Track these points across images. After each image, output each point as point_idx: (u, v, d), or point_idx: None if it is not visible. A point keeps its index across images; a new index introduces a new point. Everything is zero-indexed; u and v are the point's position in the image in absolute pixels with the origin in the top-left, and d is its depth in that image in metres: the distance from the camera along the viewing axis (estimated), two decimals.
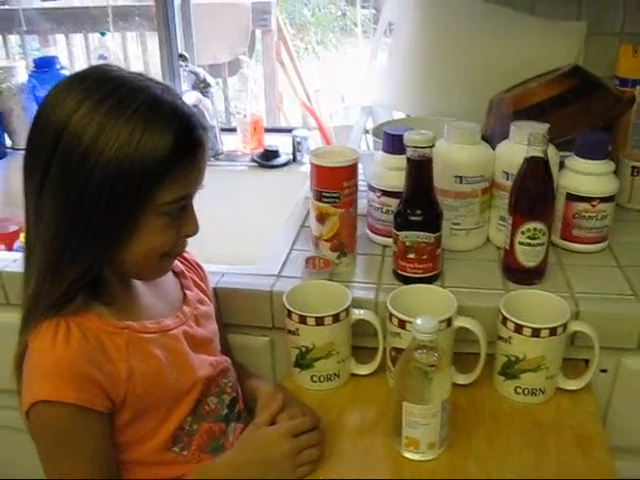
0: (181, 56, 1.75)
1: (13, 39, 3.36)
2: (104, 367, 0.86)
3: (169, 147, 0.82)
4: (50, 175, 0.83)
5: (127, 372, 0.88)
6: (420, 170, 1.08)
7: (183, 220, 0.91)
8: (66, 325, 0.86)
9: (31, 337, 0.87)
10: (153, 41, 3.11)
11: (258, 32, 3.73)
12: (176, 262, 1.06)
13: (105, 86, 0.84)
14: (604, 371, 1.11)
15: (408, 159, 1.08)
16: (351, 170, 1.13)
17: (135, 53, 3.31)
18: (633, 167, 1.38)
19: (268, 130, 1.85)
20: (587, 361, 1.08)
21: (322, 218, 1.15)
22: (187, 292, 1.04)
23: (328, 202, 1.13)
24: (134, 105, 0.82)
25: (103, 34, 1.86)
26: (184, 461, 0.96)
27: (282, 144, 1.76)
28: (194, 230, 0.93)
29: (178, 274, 1.06)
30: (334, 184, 1.12)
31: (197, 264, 1.12)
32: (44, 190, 0.84)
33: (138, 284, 0.98)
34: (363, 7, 5.17)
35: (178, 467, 0.96)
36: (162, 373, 0.92)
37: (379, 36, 1.68)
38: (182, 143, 0.84)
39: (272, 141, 1.79)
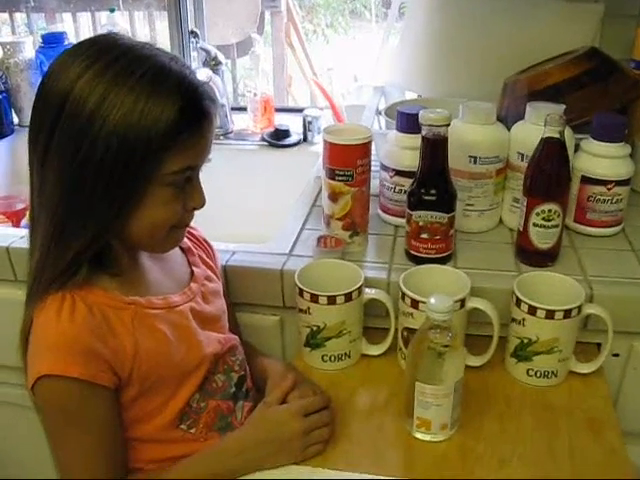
0: (192, 32, 1.73)
1: (19, 17, 3.34)
2: (109, 342, 0.86)
3: (174, 116, 0.81)
4: (54, 143, 0.82)
5: (133, 347, 0.87)
6: (435, 149, 1.07)
7: (189, 192, 0.89)
8: (71, 299, 0.85)
9: (36, 311, 0.87)
10: (161, 21, 3.10)
11: (267, 14, 3.71)
12: (184, 239, 1.06)
13: (111, 53, 0.83)
14: (616, 355, 1.10)
15: (423, 138, 1.07)
16: (365, 148, 1.11)
17: (143, 32, 3.30)
18: None
19: (278, 110, 1.84)
20: (599, 345, 1.08)
21: (335, 196, 1.14)
22: (194, 269, 1.03)
23: (341, 180, 1.12)
24: (139, 72, 0.81)
25: (112, 11, 1.85)
26: (192, 439, 0.96)
27: (292, 124, 1.75)
28: (200, 202, 0.91)
29: (185, 251, 1.05)
30: (348, 162, 1.11)
31: (205, 241, 1.11)
32: (48, 158, 0.83)
33: (145, 260, 0.97)
34: None
35: (185, 445, 0.95)
36: (168, 349, 0.92)
37: (392, 18, 1.66)
38: (188, 113, 0.83)
39: (282, 121, 1.78)
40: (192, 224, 1.08)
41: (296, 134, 1.71)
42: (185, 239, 1.06)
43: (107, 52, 0.83)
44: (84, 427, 0.87)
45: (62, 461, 0.89)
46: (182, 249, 1.05)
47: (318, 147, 1.61)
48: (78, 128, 0.81)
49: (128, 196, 0.84)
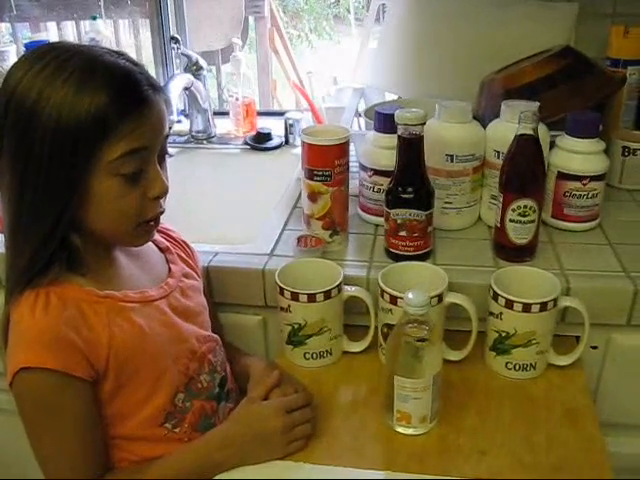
0: (173, 38, 1.74)
1: (4, 27, 3.34)
2: (84, 333, 0.87)
3: (103, 104, 0.82)
4: (4, 144, 0.86)
5: (107, 338, 0.88)
6: (411, 148, 1.09)
7: (147, 182, 0.89)
8: (45, 295, 0.87)
9: (12, 309, 0.88)
10: (144, 29, 3.09)
11: (251, 19, 3.72)
12: (161, 239, 1.07)
13: (50, 54, 0.85)
14: (594, 347, 1.12)
15: (399, 137, 1.08)
16: (342, 148, 1.13)
17: (127, 41, 3.30)
18: (624, 147, 1.39)
19: (261, 113, 1.85)
20: (578, 338, 1.09)
21: (314, 196, 1.15)
22: (172, 266, 1.04)
23: (320, 180, 1.13)
24: (71, 67, 0.83)
25: (94, 18, 1.86)
26: (176, 439, 0.97)
27: (275, 127, 1.76)
28: (160, 190, 0.91)
29: (164, 250, 1.06)
30: (325, 162, 1.12)
31: (184, 242, 1.12)
32: (2, 160, 0.87)
33: (121, 256, 0.98)
34: None
35: (168, 445, 0.96)
36: (144, 341, 0.92)
37: (370, 21, 1.68)
38: (119, 99, 0.84)
39: (265, 124, 1.79)
40: (170, 227, 1.10)
41: (278, 137, 1.72)
42: (163, 240, 1.07)
43: (46, 54, 0.85)
44: (61, 420, 0.88)
45: (40, 456, 0.90)
46: (160, 249, 1.06)
47: (300, 149, 1.62)
48: (20, 128, 0.84)
49: (71, 189, 0.85)
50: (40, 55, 0.85)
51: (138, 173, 0.88)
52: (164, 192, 0.92)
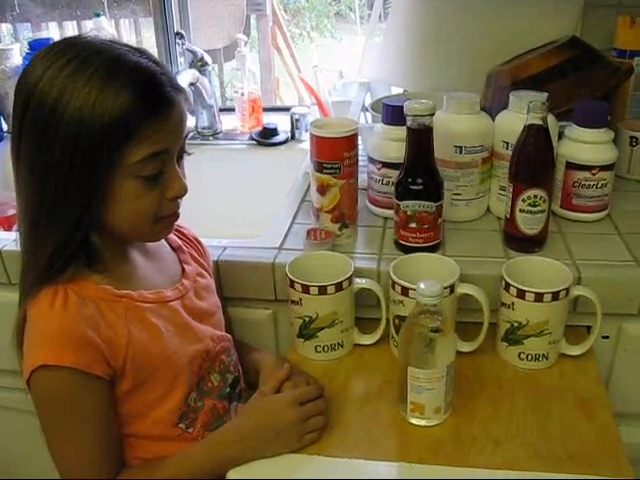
0: (178, 34, 1.74)
1: (5, 28, 3.35)
2: (103, 332, 0.86)
3: (127, 106, 0.81)
4: (22, 142, 0.85)
5: (126, 338, 0.88)
6: (420, 139, 1.08)
7: (166, 182, 0.89)
8: (64, 291, 0.86)
9: (29, 306, 0.87)
10: (147, 29, 3.10)
11: (253, 18, 3.73)
12: (174, 237, 1.06)
13: (71, 51, 0.84)
14: (606, 337, 1.11)
15: (408, 128, 1.08)
16: (351, 140, 1.13)
17: (129, 39, 3.30)
18: (632, 137, 1.38)
19: (266, 109, 1.85)
20: (589, 328, 1.09)
21: (323, 189, 1.15)
22: (185, 266, 1.04)
23: (329, 173, 1.13)
24: (94, 66, 0.82)
25: (98, 15, 1.86)
26: (190, 438, 0.97)
27: (280, 123, 1.75)
28: (179, 191, 0.91)
29: (176, 249, 1.06)
30: (335, 155, 1.12)
31: (196, 239, 1.12)
32: (20, 157, 0.86)
33: (136, 255, 0.98)
34: None
35: (182, 444, 0.96)
36: (161, 341, 0.92)
37: (376, 15, 1.68)
38: (143, 101, 0.83)
39: (270, 120, 1.78)
40: (182, 223, 1.10)
41: (284, 132, 1.72)
42: (175, 238, 1.07)
43: (67, 51, 0.84)
44: (77, 417, 0.88)
45: (57, 454, 0.89)
46: (173, 247, 1.05)
47: (306, 144, 1.61)
48: (40, 125, 0.82)
49: (92, 190, 0.84)
50: (61, 51, 0.84)
51: (158, 175, 0.88)
52: (183, 193, 0.92)
